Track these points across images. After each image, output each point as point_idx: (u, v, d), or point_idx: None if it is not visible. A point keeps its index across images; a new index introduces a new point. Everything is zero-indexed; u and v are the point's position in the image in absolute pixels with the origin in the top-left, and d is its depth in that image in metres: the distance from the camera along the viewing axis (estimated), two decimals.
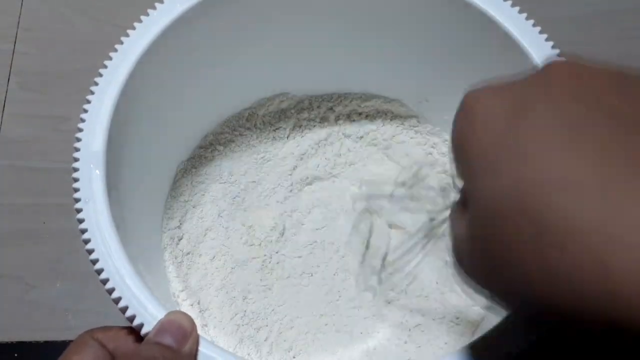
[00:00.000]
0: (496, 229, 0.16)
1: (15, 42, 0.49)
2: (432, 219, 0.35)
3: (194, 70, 0.36)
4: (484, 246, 0.17)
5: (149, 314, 0.25)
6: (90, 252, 0.26)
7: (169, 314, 0.25)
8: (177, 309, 0.35)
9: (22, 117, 0.47)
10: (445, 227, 0.35)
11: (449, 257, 0.37)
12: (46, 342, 0.39)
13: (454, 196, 0.27)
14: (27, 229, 0.43)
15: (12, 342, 0.39)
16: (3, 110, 0.47)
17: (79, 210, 0.27)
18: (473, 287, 0.19)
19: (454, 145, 0.19)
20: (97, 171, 0.28)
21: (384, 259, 0.38)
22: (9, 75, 0.48)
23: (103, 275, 0.26)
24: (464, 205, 0.19)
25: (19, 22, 0.50)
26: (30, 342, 0.39)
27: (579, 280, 0.14)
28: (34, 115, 0.47)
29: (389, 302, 0.37)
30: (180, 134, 0.39)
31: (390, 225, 0.39)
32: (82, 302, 0.40)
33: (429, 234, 0.36)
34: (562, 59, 0.19)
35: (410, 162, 0.41)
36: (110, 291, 0.25)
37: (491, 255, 0.17)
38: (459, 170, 0.19)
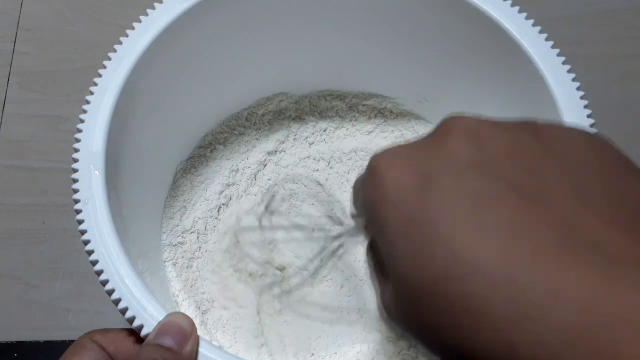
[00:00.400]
0: (417, 307, 0.17)
1: (15, 42, 0.49)
2: (323, 248, 0.36)
3: (193, 71, 0.36)
4: (408, 313, 0.18)
5: (149, 316, 0.25)
6: (91, 253, 0.26)
7: (169, 315, 0.25)
8: (177, 309, 0.35)
9: (22, 117, 0.47)
10: (341, 251, 0.36)
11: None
12: (46, 342, 0.39)
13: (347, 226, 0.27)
14: (27, 229, 0.43)
15: (12, 342, 0.39)
16: (3, 110, 0.47)
17: (78, 211, 0.27)
18: (399, 329, 0.20)
19: (367, 214, 0.20)
20: (97, 172, 0.28)
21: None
22: (9, 75, 0.48)
23: (103, 277, 0.26)
24: (383, 266, 0.20)
25: (19, 22, 0.50)
26: (30, 342, 0.39)
27: (491, 356, 0.15)
28: (34, 115, 0.47)
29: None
30: (180, 134, 0.39)
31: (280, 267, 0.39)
32: (82, 302, 0.40)
33: (324, 260, 0.37)
34: (458, 117, 0.19)
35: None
36: (111, 293, 0.25)
37: (416, 322, 0.18)
38: (374, 235, 0.20)
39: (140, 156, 0.33)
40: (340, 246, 0.34)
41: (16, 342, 0.39)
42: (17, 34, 0.50)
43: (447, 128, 0.19)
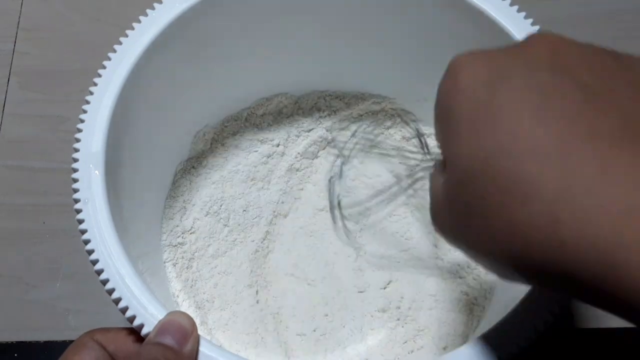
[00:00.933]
0: (468, 189, 0.18)
1: (15, 42, 0.49)
2: (399, 177, 0.37)
3: (193, 71, 0.36)
4: (456, 204, 0.19)
5: (150, 315, 0.25)
6: (90, 252, 0.26)
7: (169, 314, 0.25)
8: (177, 309, 0.35)
9: (22, 117, 0.47)
10: (418, 185, 0.36)
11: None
12: (46, 342, 0.39)
13: (431, 158, 0.28)
14: (27, 229, 0.43)
15: (12, 342, 0.39)
16: (3, 110, 0.47)
17: (78, 211, 0.27)
18: (449, 242, 0.21)
19: (437, 107, 0.21)
20: (97, 171, 0.28)
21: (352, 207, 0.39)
22: (9, 75, 0.48)
23: (103, 276, 0.26)
24: (442, 166, 0.21)
25: (19, 22, 0.50)
26: (30, 342, 0.39)
27: (535, 230, 0.16)
28: (34, 115, 0.47)
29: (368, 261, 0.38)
30: (179, 134, 0.39)
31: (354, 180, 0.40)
32: (82, 302, 0.40)
33: (399, 190, 0.38)
34: (545, 32, 0.20)
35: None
36: (111, 292, 0.25)
37: (462, 212, 0.19)
38: (439, 133, 0.21)
39: (139, 156, 0.33)
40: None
41: (16, 342, 0.39)
42: (17, 34, 0.50)
43: (530, 39, 0.20)
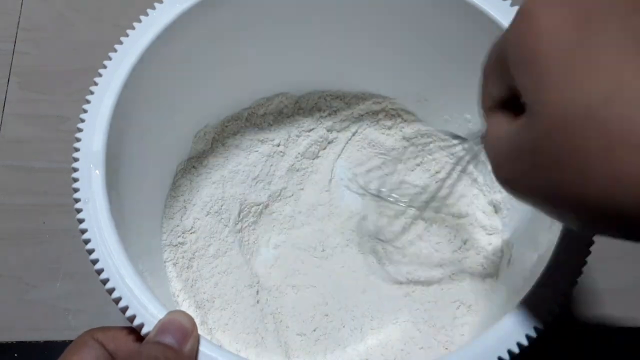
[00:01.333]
0: (562, 137, 0.17)
1: (15, 42, 0.49)
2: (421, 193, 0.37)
3: (193, 70, 0.36)
4: (541, 153, 0.18)
5: (150, 314, 0.25)
6: (91, 252, 0.26)
7: (169, 313, 0.25)
8: (177, 308, 0.35)
9: (22, 117, 0.47)
10: (439, 200, 0.36)
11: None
12: (46, 342, 0.39)
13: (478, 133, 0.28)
14: (27, 229, 0.43)
15: (12, 342, 0.39)
16: (3, 110, 0.47)
17: (79, 210, 0.27)
18: (515, 194, 0.20)
19: (510, 53, 0.19)
20: (97, 171, 0.28)
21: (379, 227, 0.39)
22: (9, 75, 0.48)
23: (103, 275, 0.26)
24: (509, 115, 0.20)
25: (19, 22, 0.50)
26: (30, 342, 0.39)
27: None
28: (34, 115, 0.47)
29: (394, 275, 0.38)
30: (180, 134, 0.39)
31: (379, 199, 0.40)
32: (82, 302, 0.40)
33: (423, 205, 0.38)
34: None
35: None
36: (111, 291, 0.25)
37: (549, 160, 0.18)
38: (515, 78, 0.19)
39: (140, 156, 0.33)
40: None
41: (16, 342, 0.39)
42: (17, 34, 0.50)
43: None
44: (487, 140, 0.22)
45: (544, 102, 0.18)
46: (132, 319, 0.25)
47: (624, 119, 0.16)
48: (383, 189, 0.39)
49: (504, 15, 0.31)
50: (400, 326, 0.36)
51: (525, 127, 0.19)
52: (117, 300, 0.25)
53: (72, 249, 0.42)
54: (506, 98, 0.21)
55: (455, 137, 0.32)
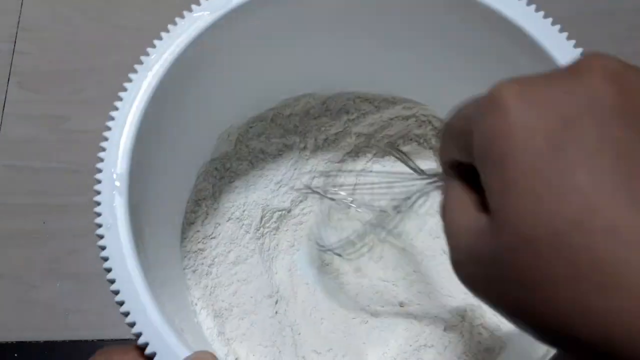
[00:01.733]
0: (526, 257, 0.16)
1: (15, 42, 0.49)
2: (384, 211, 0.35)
3: (220, 72, 0.35)
4: (504, 267, 0.16)
5: (172, 352, 0.24)
6: (112, 282, 0.25)
7: (195, 354, 0.24)
8: (195, 318, 0.35)
9: (22, 117, 0.47)
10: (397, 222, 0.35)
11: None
12: (46, 342, 0.39)
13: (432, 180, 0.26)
14: (27, 229, 0.43)
15: (12, 342, 0.39)
16: (3, 110, 0.47)
17: (100, 237, 0.26)
18: (477, 297, 0.19)
19: (477, 140, 0.18)
20: (120, 196, 0.27)
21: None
22: (9, 75, 0.48)
23: (124, 308, 0.25)
24: (478, 205, 0.18)
25: (19, 22, 0.50)
26: (30, 342, 0.39)
27: (617, 321, 0.14)
28: (34, 115, 0.47)
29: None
30: (203, 135, 0.38)
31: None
32: (82, 302, 0.40)
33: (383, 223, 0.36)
34: (597, 54, 0.17)
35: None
36: (132, 325, 0.25)
37: (512, 278, 0.16)
38: (483, 167, 0.18)
39: (163, 164, 0.32)
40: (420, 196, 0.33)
41: (16, 342, 0.39)
42: (17, 34, 0.50)
43: (585, 65, 0.17)
44: (444, 209, 0.20)
45: (510, 214, 0.16)
46: (152, 356, 0.24)
47: (591, 251, 0.15)
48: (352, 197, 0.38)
49: (549, 40, 0.30)
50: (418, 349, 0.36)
51: (487, 234, 0.17)
52: (138, 336, 0.24)
53: (72, 249, 0.42)
54: (465, 168, 0.20)
55: (421, 171, 0.31)
